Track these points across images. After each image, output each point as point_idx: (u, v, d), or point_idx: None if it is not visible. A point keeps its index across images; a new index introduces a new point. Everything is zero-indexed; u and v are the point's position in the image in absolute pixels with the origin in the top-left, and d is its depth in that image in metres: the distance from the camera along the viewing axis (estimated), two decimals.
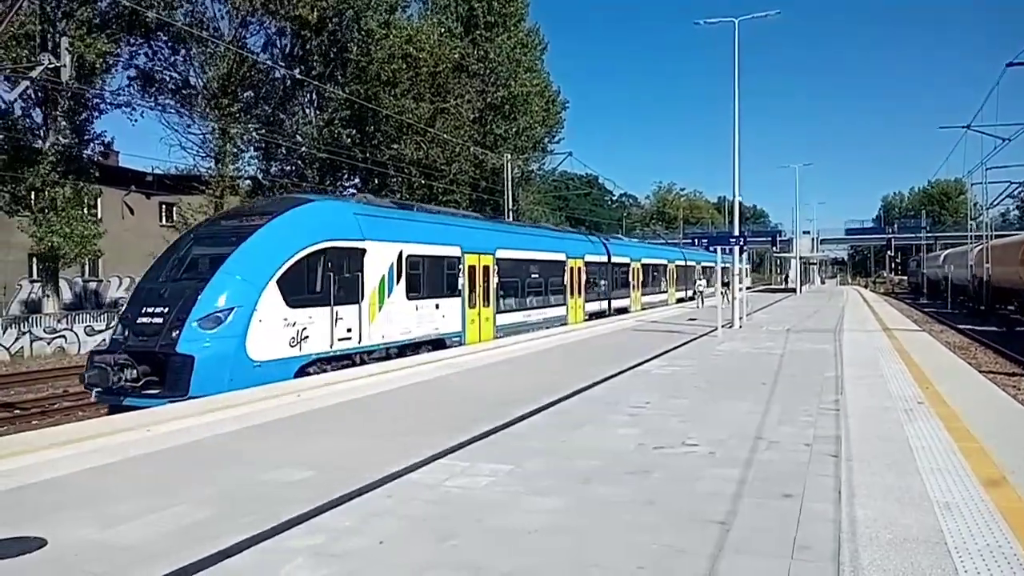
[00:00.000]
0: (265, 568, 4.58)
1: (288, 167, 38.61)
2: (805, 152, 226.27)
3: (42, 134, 29.12)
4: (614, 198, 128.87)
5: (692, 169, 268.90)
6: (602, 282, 31.92)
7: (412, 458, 7.10)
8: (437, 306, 18.48)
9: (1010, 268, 34.81)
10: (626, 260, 35.99)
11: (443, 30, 40.62)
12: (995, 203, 49.45)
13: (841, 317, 29.12)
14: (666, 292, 44.66)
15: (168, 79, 34.20)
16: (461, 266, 19.73)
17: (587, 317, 28.73)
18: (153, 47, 33.43)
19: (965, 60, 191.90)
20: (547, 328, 23.87)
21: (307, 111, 38.52)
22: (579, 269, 28.63)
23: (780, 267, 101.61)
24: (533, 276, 24.86)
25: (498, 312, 21.79)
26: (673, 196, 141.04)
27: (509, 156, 41.91)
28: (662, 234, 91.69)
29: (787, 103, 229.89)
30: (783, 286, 76.42)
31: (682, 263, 49.91)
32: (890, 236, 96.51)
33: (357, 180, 42.31)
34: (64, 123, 29.44)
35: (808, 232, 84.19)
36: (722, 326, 22.00)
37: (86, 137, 31.51)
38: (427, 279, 18.23)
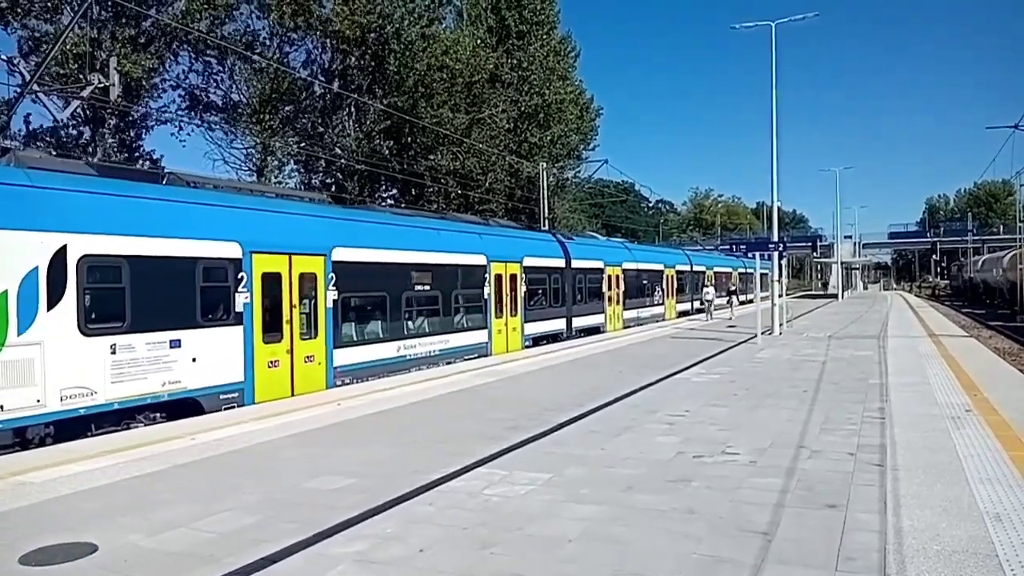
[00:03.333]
0: (311, 574, 4.67)
1: (328, 179, 39.22)
2: (846, 155, 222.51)
3: (91, 150, 30.05)
4: (650, 205, 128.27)
5: (730, 174, 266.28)
6: (556, 293, 23.66)
7: (452, 466, 7.15)
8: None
9: None
10: (596, 264, 27.24)
11: (477, 40, 40.95)
12: None
13: (885, 323, 28.53)
14: (662, 305, 35.60)
15: (212, 96, 35.10)
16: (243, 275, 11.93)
17: (527, 344, 21.09)
18: (196, 63, 34.37)
19: (1013, 57, 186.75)
20: (436, 366, 16.37)
21: (346, 124, 39.13)
22: (511, 277, 20.35)
23: (821, 273, 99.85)
24: (423, 287, 16.80)
25: (338, 346, 13.84)
26: (711, 202, 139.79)
27: (544, 164, 41.98)
28: (699, 240, 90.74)
29: (827, 106, 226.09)
30: (822, 292, 74.98)
31: (685, 268, 41.07)
32: (935, 240, 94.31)
33: (395, 191, 42.80)
34: (111, 140, 30.35)
35: (850, 236, 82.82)
36: (762, 333, 21.71)
37: (136, 155, 32.42)
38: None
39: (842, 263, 72.03)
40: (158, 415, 10.64)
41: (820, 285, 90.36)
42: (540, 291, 22.64)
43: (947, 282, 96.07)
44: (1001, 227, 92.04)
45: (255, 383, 11.94)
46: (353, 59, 37.54)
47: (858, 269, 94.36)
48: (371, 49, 37.34)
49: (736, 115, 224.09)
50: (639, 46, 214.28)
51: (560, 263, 23.98)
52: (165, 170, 16.44)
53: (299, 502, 6.18)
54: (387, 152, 38.68)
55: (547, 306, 22.99)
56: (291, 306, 12.75)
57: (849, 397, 11.11)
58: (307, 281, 13.26)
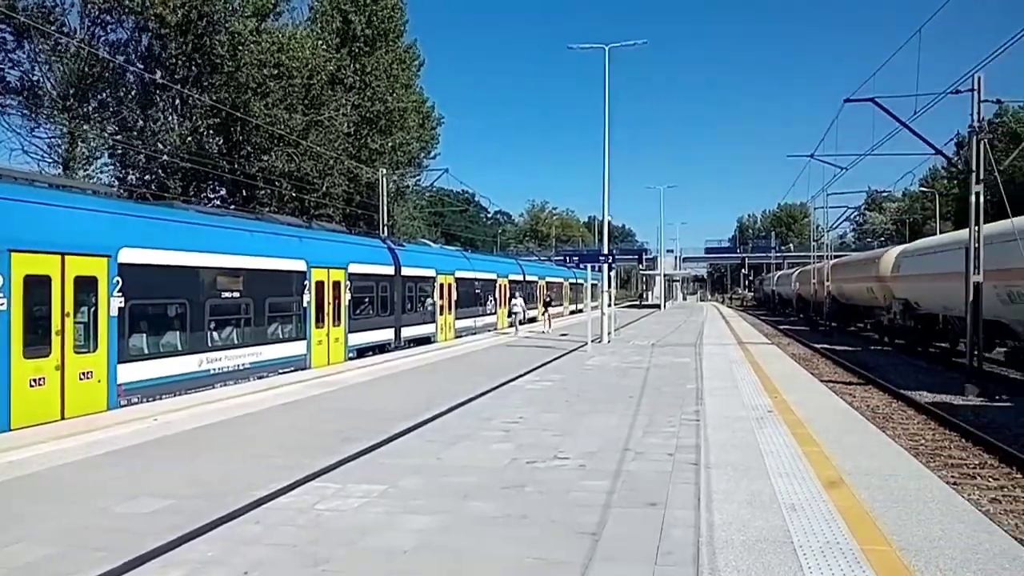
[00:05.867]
0: None
1: (148, 176, 36.34)
2: (670, 174, 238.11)
3: None
4: (489, 215, 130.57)
5: (565, 189, 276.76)
6: (384, 301, 22.74)
7: (281, 481, 6.86)
8: None
9: (854, 284, 38.33)
10: (428, 272, 26.56)
11: (320, 41, 39.78)
12: (834, 226, 54.29)
13: (701, 332, 30.84)
14: (495, 314, 35.24)
15: (8, 76, 31.40)
16: None
17: (351, 356, 19.95)
18: None
19: (812, 93, 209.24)
20: (246, 381, 14.97)
21: (169, 117, 36.49)
22: (334, 284, 19.26)
23: (646, 284, 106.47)
24: (232, 294, 15.40)
25: (124, 361, 12.24)
26: (546, 215, 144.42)
27: (384, 171, 41.51)
28: (535, 251, 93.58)
29: (654, 129, 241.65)
30: (647, 302, 79.88)
31: (518, 278, 40.90)
32: (744, 255, 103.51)
33: (223, 192, 40.48)
34: None
35: (672, 251, 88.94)
36: (592, 341, 22.72)
37: None
38: None
39: (665, 275, 77.20)
40: None
41: (636, 296, 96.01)
42: (367, 299, 21.68)
43: (753, 294, 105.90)
44: (798, 245, 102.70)
45: (10, 405, 10.07)
46: (174, 47, 35.09)
47: (679, 281, 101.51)
48: (196, 38, 35.11)
49: (572, 132, 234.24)
50: (481, 60, 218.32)
51: (389, 270, 23.20)
52: None
53: (109, 528, 5.66)
54: (216, 150, 36.50)
55: (374, 315, 22.04)
56: (63, 315, 10.95)
57: (670, 401, 11.89)
58: (85, 286, 11.49)
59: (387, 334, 22.81)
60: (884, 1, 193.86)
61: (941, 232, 41.35)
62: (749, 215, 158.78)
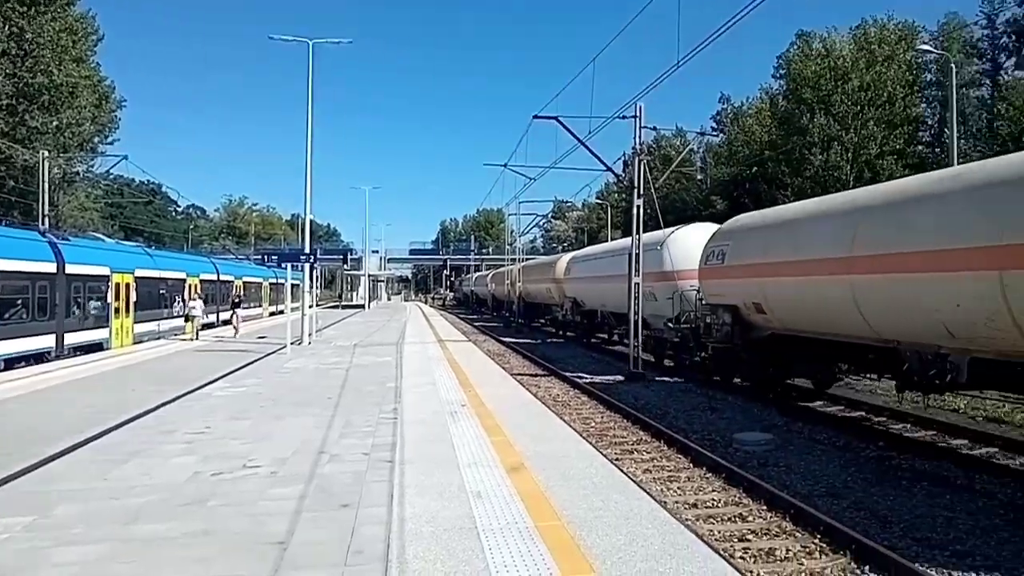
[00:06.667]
0: None
1: None
2: (377, 176, 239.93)
3: None
4: (180, 209, 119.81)
5: (266, 184, 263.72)
6: (41, 304, 19.80)
7: None
8: None
9: (537, 285, 42.00)
10: (100, 271, 23.73)
11: None
12: (526, 231, 59.10)
13: (403, 331, 31.45)
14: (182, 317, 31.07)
15: None
16: None
17: None
18: None
19: (505, 106, 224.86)
20: None
21: None
22: None
23: (351, 284, 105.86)
24: None
25: None
26: (245, 211, 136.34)
27: (47, 153, 35.85)
28: (232, 249, 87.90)
29: (362, 131, 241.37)
30: (352, 302, 79.57)
31: (212, 277, 38.38)
32: (446, 257, 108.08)
33: None
34: None
35: (377, 251, 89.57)
36: (292, 343, 21.94)
37: None
38: None
39: (370, 276, 77.47)
40: None
41: (336, 296, 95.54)
42: (19, 302, 18.87)
43: (453, 294, 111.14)
44: (495, 248, 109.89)
45: None
46: None
47: (384, 281, 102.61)
48: None
49: (273, 126, 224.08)
50: (173, 41, 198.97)
51: (49, 267, 20.33)
52: None
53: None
54: None
55: (28, 320, 19.09)
56: None
57: (369, 400, 11.92)
58: None
59: (43, 342, 19.84)
60: (571, 29, 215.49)
61: (612, 239, 47.11)
62: (451, 219, 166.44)
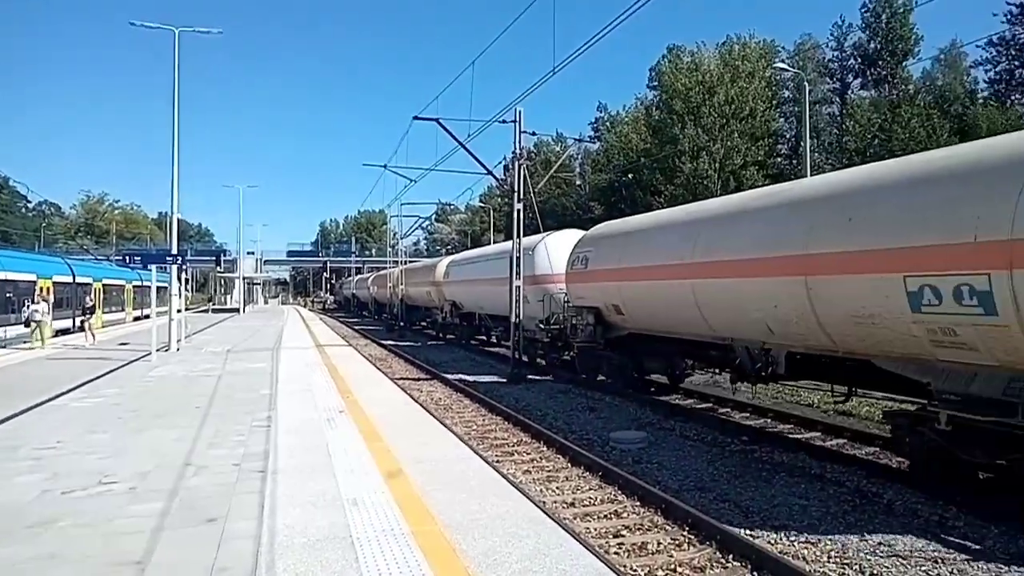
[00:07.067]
0: None
1: None
2: (253, 175, 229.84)
3: None
4: (31, 206, 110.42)
5: (130, 181, 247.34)
6: None
7: None
8: None
9: (418, 288, 41.79)
10: None
11: None
12: (408, 233, 58.49)
13: (280, 335, 30.39)
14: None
15: None
16: None
17: None
18: None
19: (386, 106, 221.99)
20: None
21: None
22: None
23: (226, 287, 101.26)
24: None
25: None
26: (106, 208, 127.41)
27: None
28: (91, 249, 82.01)
29: (235, 125, 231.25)
30: (227, 306, 76.08)
31: (66, 280, 35.62)
32: (326, 259, 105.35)
33: None
34: None
35: (252, 252, 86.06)
36: (158, 350, 20.71)
37: None
38: None
39: (245, 278, 74.32)
40: None
41: (207, 300, 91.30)
42: None
43: (334, 297, 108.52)
44: (378, 250, 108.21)
45: None
46: None
47: (260, 284, 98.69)
48: None
49: (140, 119, 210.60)
50: (22, 23, 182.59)
51: None
52: None
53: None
54: None
55: None
56: None
57: (241, 409, 11.43)
58: None
59: None
60: (451, 31, 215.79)
61: (495, 243, 47.54)
62: (332, 220, 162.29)
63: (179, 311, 25.13)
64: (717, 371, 15.98)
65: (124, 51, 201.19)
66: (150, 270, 25.90)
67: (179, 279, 26.27)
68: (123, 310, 47.23)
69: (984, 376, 8.22)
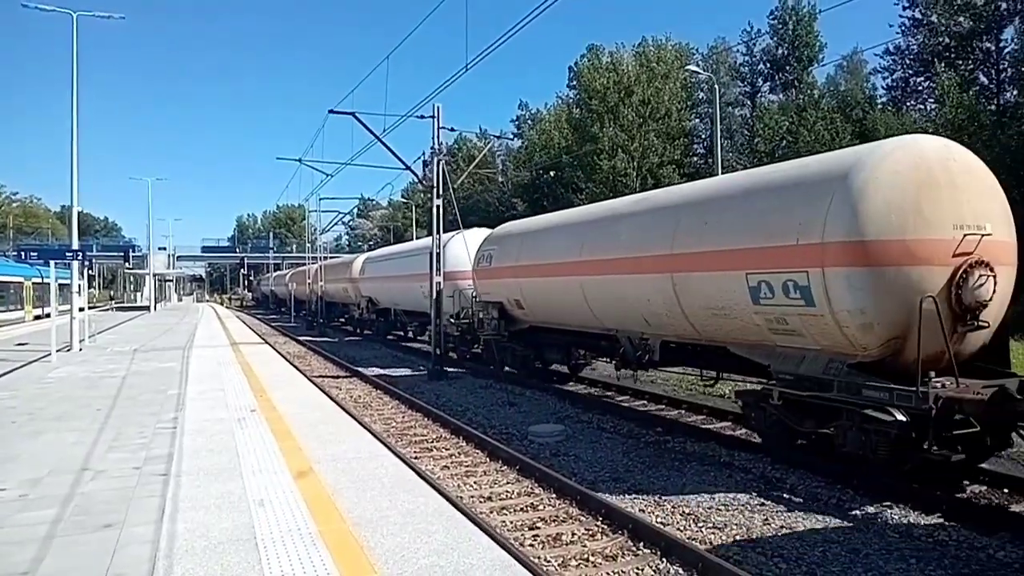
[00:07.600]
0: None
1: None
2: (165, 167, 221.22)
3: None
4: None
5: (29, 173, 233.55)
6: None
7: None
8: None
9: (336, 285, 41.20)
10: None
11: None
12: (328, 228, 57.25)
13: (193, 334, 29.35)
14: None
15: None
16: None
17: None
18: None
19: (301, 101, 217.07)
20: None
21: None
22: None
23: (135, 284, 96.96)
24: None
25: None
26: (2, 200, 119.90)
27: None
28: None
29: (146, 117, 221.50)
30: (136, 303, 72.92)
31: None
32: (243, 255, 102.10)
33: None
34: None
35: (164, 248, 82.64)
36: (58, 350, 19.68)
37: None
38: None
39: (156, 275, 71.34)
40: None
41: (107, 298, 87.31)
42: None
43: (251, 294, 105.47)
44: (298, 246, 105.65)
45: None
46: None
47: (172, 281, 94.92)
48: None
49: (40, 109, 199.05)
50: None
51: None
52: None
53: None
54: None
55: None
56: None
57: (145, 410, 11.00)
58: None
59: None
60: (366, 23, 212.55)
61: (417, 238, 47.17)
62: (249, 215, 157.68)
63: (82, 309, 23.94)
64: (607, 359, 16.93)
65: (20, 38, 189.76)
66: (49, 266, 24.63)
67: (82, 275, 25.00)
68: (21, 308, 44.64)
69: (810, 358, 9.54)
